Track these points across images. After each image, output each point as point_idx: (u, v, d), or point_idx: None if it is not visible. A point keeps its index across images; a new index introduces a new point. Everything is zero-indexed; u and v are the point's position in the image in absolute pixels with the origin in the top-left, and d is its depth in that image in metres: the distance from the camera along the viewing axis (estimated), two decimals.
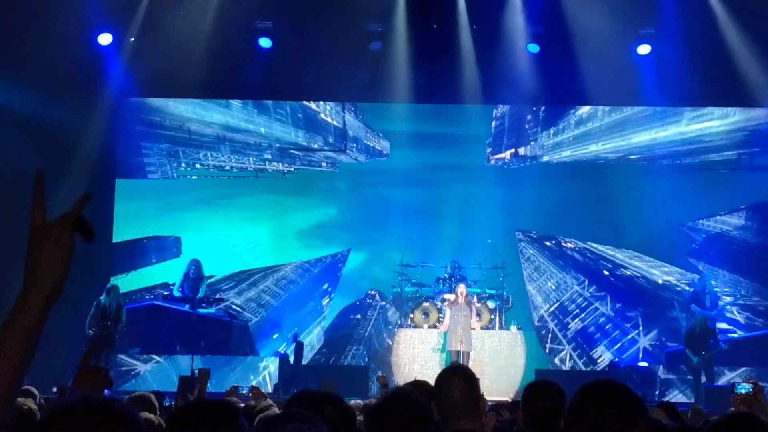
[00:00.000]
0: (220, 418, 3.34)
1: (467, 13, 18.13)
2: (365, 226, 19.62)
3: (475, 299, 17.25)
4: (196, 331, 17.25)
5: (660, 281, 19.43)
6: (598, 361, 19.28)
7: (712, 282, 17.92)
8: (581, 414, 3.15)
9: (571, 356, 19.49)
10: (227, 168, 20.25)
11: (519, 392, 12.04)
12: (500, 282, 18.14)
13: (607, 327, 19.57)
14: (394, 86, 18.94)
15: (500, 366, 16.88)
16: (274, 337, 19.42)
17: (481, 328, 17.13)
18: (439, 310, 17.50)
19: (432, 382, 4.57)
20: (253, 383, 13.70)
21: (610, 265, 19.70)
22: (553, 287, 19.88)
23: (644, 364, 18.06)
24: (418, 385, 4.71)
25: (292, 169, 20.19)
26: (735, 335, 17.81)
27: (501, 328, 17.70)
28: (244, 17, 18.05)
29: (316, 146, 20.29)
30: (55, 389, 9.93)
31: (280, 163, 20.24)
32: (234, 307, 19.57)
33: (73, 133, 17.80)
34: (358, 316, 19.59)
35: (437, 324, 17.35)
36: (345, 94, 19.62)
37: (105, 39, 18.24)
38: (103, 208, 18.50)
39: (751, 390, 6.09)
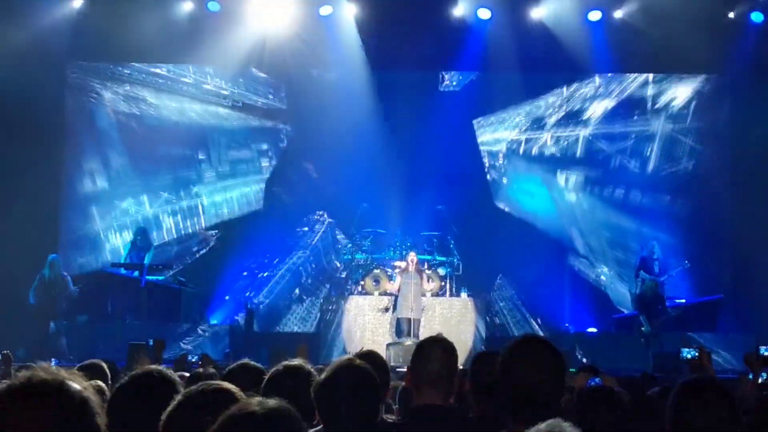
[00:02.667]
0: (161, 389, 3.31)
1: None
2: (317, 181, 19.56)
3: (425, 266, 17.24)
4: (145, 298, 17.10)
5: None
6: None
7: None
8: (506, 369, 3.31)
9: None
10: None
11: (469, 359, 12.03)
12: (451, 249, 18.10)
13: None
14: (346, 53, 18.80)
15: (450, 333, 16.73)
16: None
17: (432, 295, 17.11)
18: (390, 277, 17.45)
19: (383, 349, 4.55)
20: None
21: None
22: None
23: (593, 330, 18.18)
24: (367, 356, 4.66)
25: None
26: (682, 301, 17.91)
27: (452, 295, 17.66)
28: None
29: None
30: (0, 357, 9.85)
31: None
32: None
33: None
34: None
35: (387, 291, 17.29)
36: (295, 61, 19.36)
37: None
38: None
39: (696, 355, 6.15)
